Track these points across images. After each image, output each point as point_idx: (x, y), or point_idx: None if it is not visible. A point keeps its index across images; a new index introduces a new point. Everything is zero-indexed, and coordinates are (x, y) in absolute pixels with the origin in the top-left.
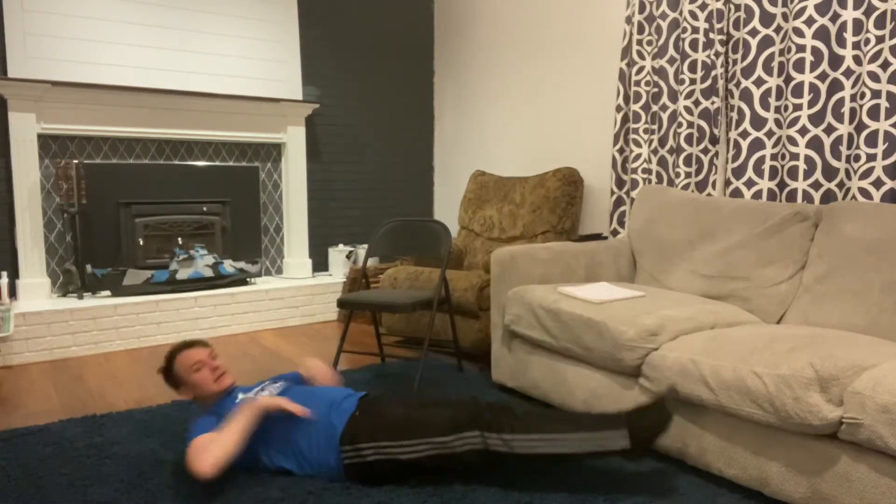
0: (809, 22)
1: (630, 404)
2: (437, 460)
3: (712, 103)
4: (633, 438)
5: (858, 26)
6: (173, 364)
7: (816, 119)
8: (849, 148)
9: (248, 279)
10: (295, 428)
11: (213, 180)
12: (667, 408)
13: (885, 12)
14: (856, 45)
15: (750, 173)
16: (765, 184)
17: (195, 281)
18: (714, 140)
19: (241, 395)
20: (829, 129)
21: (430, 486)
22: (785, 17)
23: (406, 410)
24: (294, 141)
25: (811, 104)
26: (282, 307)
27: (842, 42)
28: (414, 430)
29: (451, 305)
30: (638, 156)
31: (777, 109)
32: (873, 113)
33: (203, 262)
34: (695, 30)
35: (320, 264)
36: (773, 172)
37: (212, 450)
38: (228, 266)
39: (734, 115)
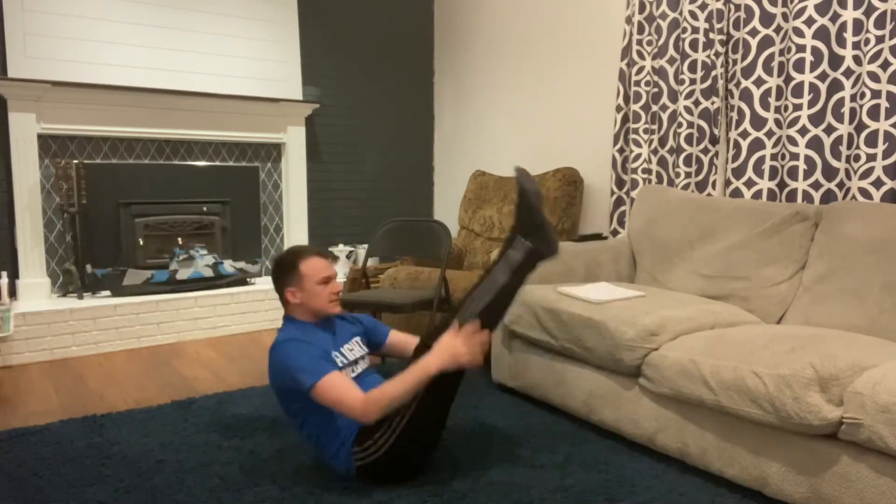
0: (809, 22)
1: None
2: (430, 406)
3: (712, 103)
4: (529, 238)
5: (858, 26)
6: (303, 262)
7: (816, 119)
8: (849, 148)
9: (248, 279)
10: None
11: (213, 180)
12: (526, 192)
13: (885, 12)
14: (856, 45)
15: (750, 173)
16: (765, 184)
17: (195, 281)
18: (714, 140)
19: (334, 353)
20: (829, 129)
21: (430, 486)
22: (785, 17)
23: None
24: (294, 141)
25: (811, 104)
26: (282, 307)
27: (842, 42)
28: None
29: (451, 305)
30: (638, 156)
31: (777, 109)
32: (873, 113)
33: (203, 262)
34: (695, 30)
35: None
36: (773, 172)
37: (377, 400)
38: (228, 266)
39: (734, 115)
